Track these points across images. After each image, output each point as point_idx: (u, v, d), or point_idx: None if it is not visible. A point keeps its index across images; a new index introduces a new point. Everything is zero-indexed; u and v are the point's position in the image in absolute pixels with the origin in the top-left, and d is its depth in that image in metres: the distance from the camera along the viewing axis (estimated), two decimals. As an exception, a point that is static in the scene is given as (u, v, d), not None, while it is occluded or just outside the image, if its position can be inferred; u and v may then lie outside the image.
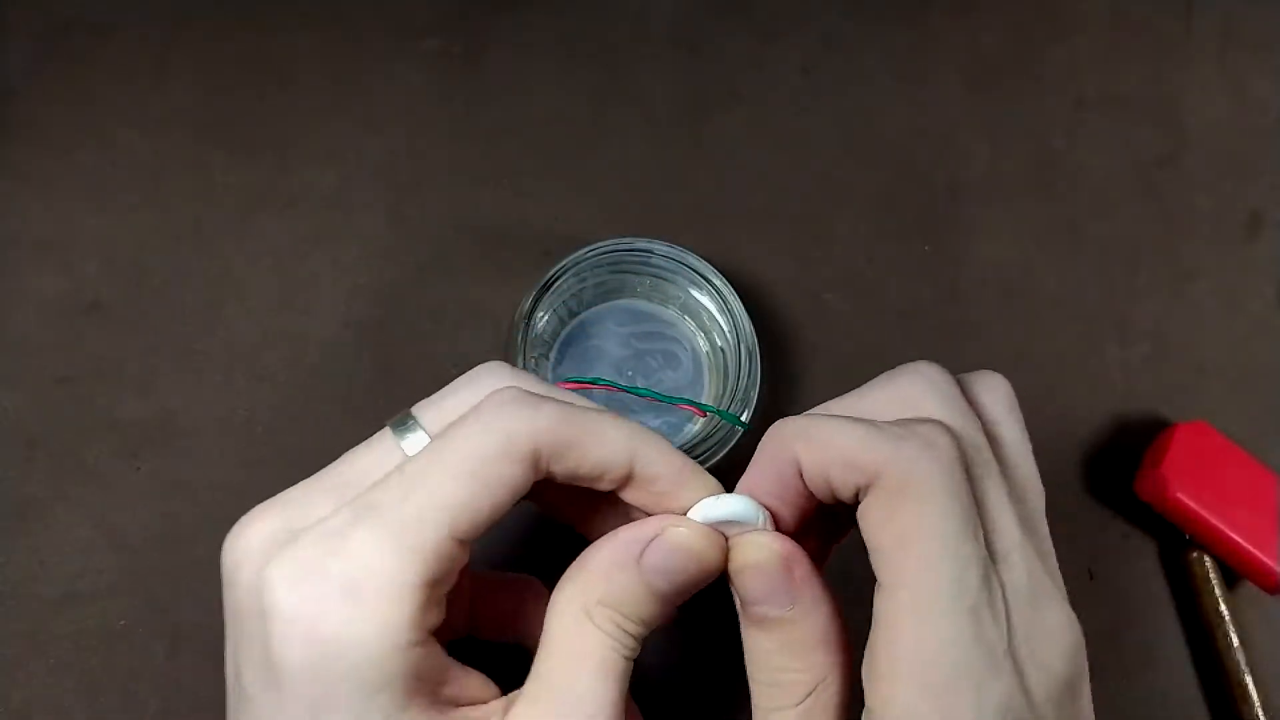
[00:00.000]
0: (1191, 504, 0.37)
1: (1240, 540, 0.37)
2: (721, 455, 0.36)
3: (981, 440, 0.25)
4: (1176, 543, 0.39)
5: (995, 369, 0.28)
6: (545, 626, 0.25)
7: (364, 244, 0.41)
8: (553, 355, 0.38)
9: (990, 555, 0.23)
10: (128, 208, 0.41)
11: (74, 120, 0.42)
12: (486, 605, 0.30)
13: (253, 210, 0.41)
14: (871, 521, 0.23)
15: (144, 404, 0.38)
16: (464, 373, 0.27)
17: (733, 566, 0.25)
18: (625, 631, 0.24)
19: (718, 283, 0.38)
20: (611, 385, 0.37)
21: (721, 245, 0.42)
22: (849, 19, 0.47)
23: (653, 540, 0.25)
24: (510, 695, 0.25)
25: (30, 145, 0.41)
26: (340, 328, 0.40)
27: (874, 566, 0.23)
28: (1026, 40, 0.47)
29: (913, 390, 0.26)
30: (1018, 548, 0.24)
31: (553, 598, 0.25)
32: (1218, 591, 0.38)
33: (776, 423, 0.26)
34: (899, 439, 0.23)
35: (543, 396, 0.25)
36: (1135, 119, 0.47)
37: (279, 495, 0.26)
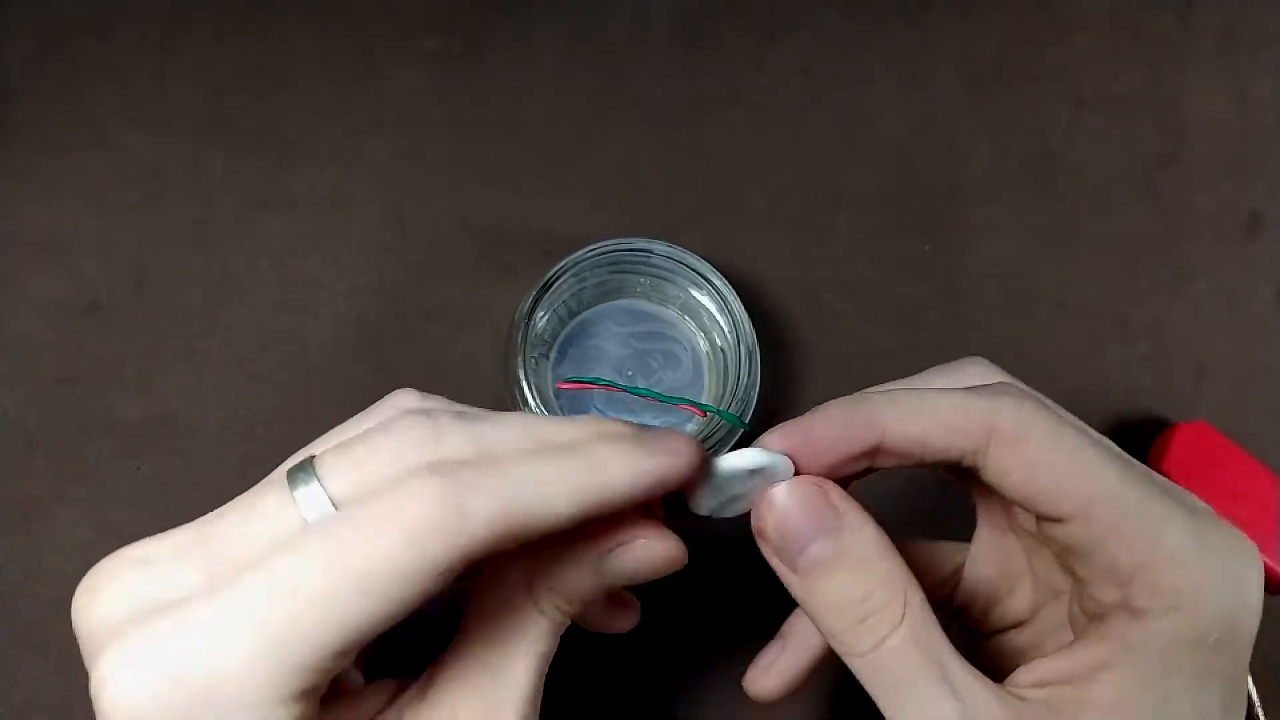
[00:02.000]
0: (1191, 504, 0.37)
1: (1240, 540, 0.37)
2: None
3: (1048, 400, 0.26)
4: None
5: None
6: (484, 594, 0.24)
7: (364, 244, 0.41)
8: (553, 355, 0.38)
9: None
10: (128, 208, 0.41)
11: (74, 120, 0.42)
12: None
13: (253, 210, 0.41)
14: (1012, 474, 0.24)
15: (144, 404, 0.38)
16: (375, 404, 0.25)
17: (767, 525, 0.24)
18: (563, 613, 0.24)
19: (718, 283, 0.38)
20: (611, 385, 0.37)
21: (721, 245, 0.42)
22: (849, 19, 0.47)
23: (620, 546, 0.24)
24: (424, 675, 0.24)
25: (30, 145, 0.41)
26: (340, 328, 0.40)
27: (1038, 509, 0.24)
28: (1026, 40, 0.47)
29: (973, 373, 0.26)
30: (1135, 462, 0.25)
31: (501, 569, 0.24)
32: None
33: (851, 397, 0.25)
34: (994, 396, 0.24)
35: (469, 486, 0.21)
36: (1135, 119, 0.47)
37: (143, 546, 0.22)
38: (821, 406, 0.25)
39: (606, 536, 0.24)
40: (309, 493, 0.21)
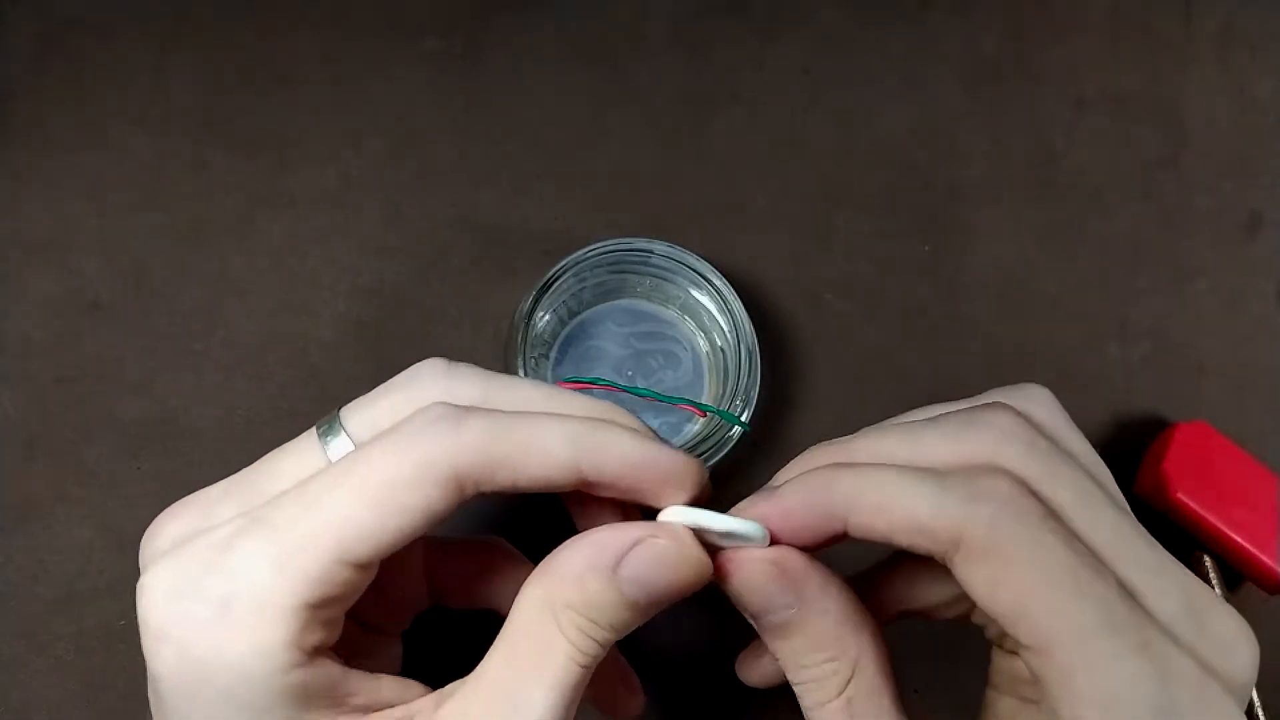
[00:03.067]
0: (1192, 504, 0.37)
1: (1240, 540, 0.37)
2: (721, 455, 0.36)
3: (1077, 476, 0.23)
4: (1177, 543, 0.39)
5: (995, 369, 0.27)
6: (510, 617, 0.23)
7: (364, 244, 0.41)
8: (553, 355, 0.38)
9: (1129, 587, 0.22)
10: (128, 208, 0.41)
11: (74, 120, 0.42)
12: (447, 573, 0.29)
13: (253, 210, 0.41)
14: (978, 588, 0.22)
15: (144, 404, 0.38)
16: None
17: (729, 589, 0.24)
18: (591, 639, 0.23)
19: (718, 283, 0.38)
20: (611, 385, 0.37)
21: (721, 245, 0.42)
22: (849, 19, 0.47)
23: (632, 549, 0.23)
24: (443, 690, 0.24)
25: (30, 145, 0.41)
26: (340, 328, 0.40)
27: (1003, 625, 0.22)
28: (1026, 40, 0.47)
29: (984, 444, 0.24)
30: (1157, 569, 0.23)
31: (520, 592, 0.24)
32: (1219, 591, 0.38)
33: (821, 467, 0.24)
34: (971, 500, 0.22)
35: (470, 410, 0.23)
36: (1135, 119, 0.47)
37: (200, 492, 0.25)
38: (787, 486, 0.24)
39: (613, 543, 0.23)
40: (333, 436, 0.24)
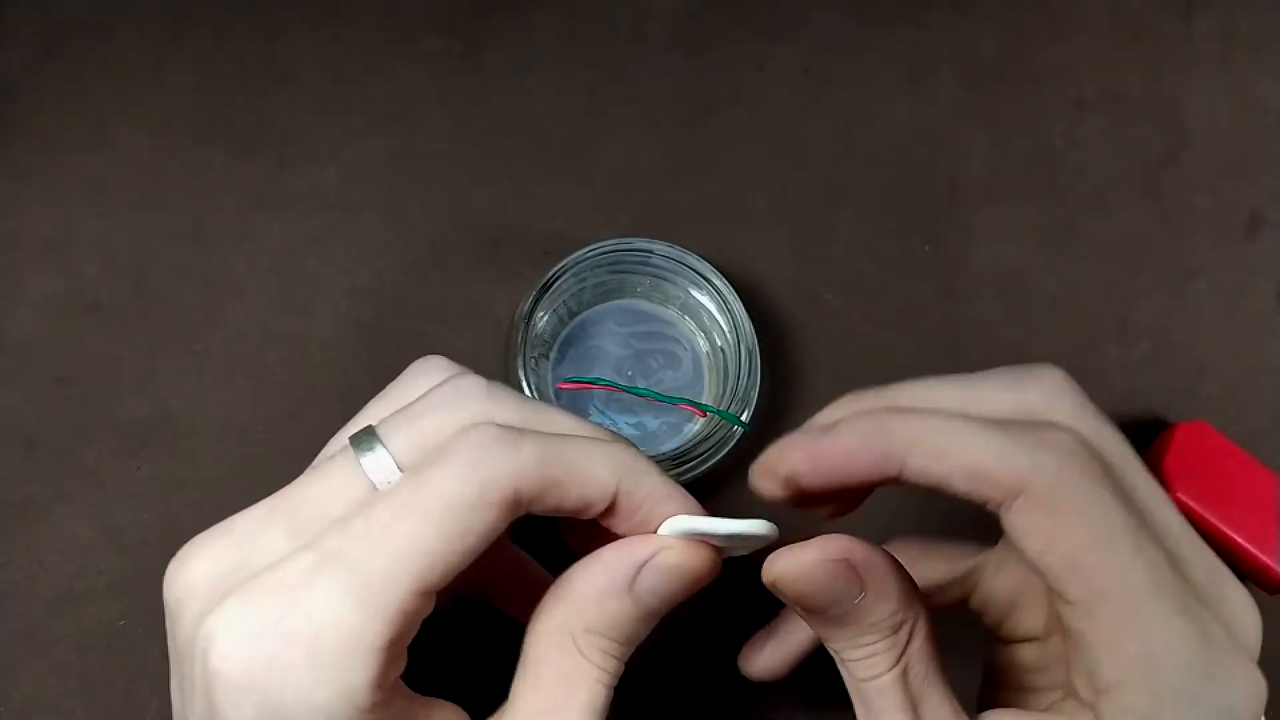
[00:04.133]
0: (1192, 504, 0.37)
1: (1240, 540, 0.37)
2: (721, 455, 0.36)
3: (1121, 439, 0.24)
4: (1176, 543, 0.39)
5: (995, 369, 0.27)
6: (525, 652, 0.23)
7: (364, 244, 0.41)
8: (553, 355, 0.38)
9: (1170, 553, 0.22)
10: (128, 208, 0.41)
11: (74, 120, 0.42)
12: (507, 586, 0.29)
13: (253, 210, 0.41)
14: (1032, 540, 0.22)
15: (144, 404, 0.38)
16: (428, 381, 0.26)
17: (791, 592, 0.23)
18: (613, 657, 0.23)
19: (718, 283, 0.38)
20: (611, 385, 0.37)
21: (721, 245, 0.41)
22: (849, 19, 0.47)
23: (647, 563, 0.23)
24: None
25: (30, 145, 0.41)
26: (340, 328, 0.40)
27: (1049, 580, 0.22)
28: (1026, 40, 0.47)
29: (1037, 396, 0.24)
30: (1188, 540, 0.23)
31: (535, 621, 0.24)
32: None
33: (876, 410, 0.24)
34: (1037, 449, 0.22)
35: (522, 432, 0.23)
36: (1135, 119, 0.47)
37: (228, 522, 0.24)
38: (842, 426, 0.23)
39: (626, 560, 0.24)
40: (374, 456, 0.23)
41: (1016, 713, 0.24)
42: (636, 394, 0.37)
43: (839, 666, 0.24)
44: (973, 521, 0.29)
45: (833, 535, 0.23)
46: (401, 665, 0.23)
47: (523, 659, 0.23)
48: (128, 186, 0.41)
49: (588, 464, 0.23)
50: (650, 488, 0.24)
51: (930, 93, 0.46)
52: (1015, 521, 0.22)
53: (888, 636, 0.23)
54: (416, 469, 0.22)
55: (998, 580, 0.28)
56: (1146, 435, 0.40)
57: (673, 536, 0.24)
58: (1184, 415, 0.40)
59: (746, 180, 0.44)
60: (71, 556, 0.36)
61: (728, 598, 0.36)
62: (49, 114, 0.42)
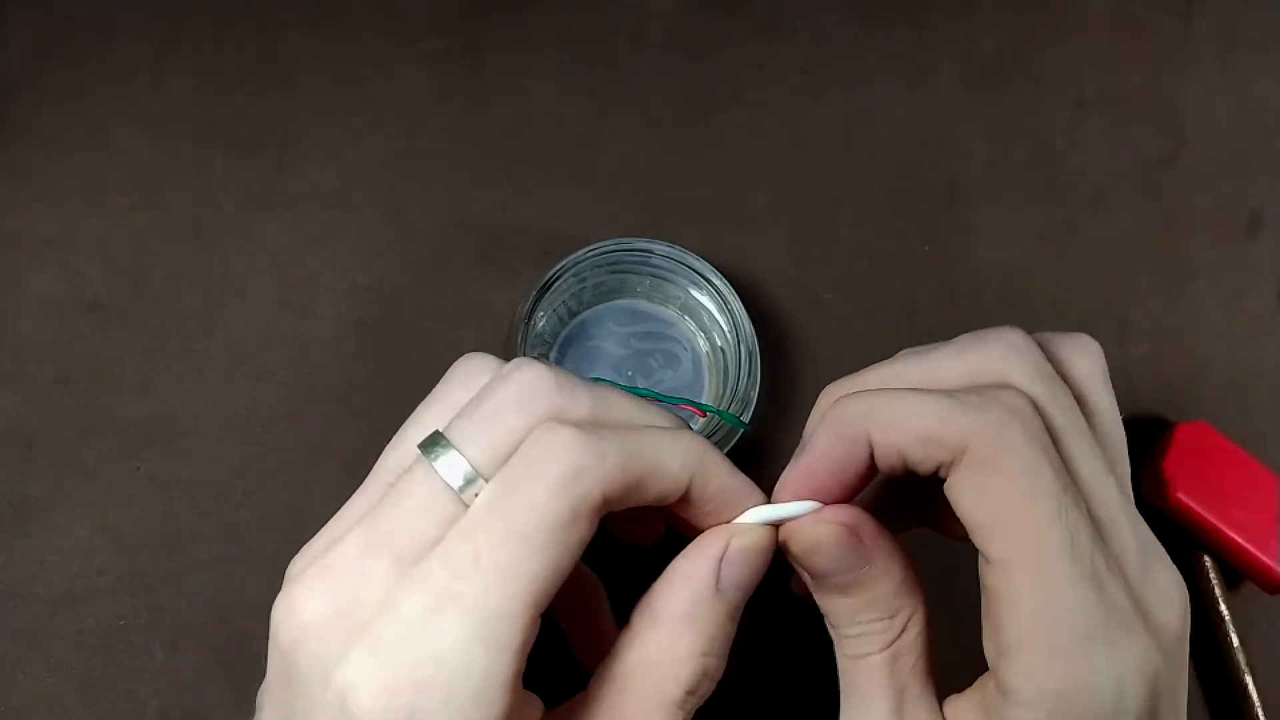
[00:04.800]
0: (1192, 504, 0.37)
1: (1240, 540, 0.37)
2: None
3: (1072, 405, 0.24)
4: (1177, 543, 0.39)
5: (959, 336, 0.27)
6: (608, 676, 0.23)
7: (364, 244, 0.41)
8: (553, 355, 0.38)
9: (1095, 522, 0.23)
10: (128, 208, 0.41)
11: (74, 120, 0.42)
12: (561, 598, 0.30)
13: (253, 210, 0.41)
14: (965, 497, 0.23)
15: (144, 404, 0.38)
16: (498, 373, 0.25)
17: (798, 551, 0.24)
18: (708, 680, 0.23)
19: (718, 283, 0.38)
20: (612, 385, 0.37)
21: (721, 245, 0.42)
22: (849, 19, 0.47)
23: (724, 557, 0.24)
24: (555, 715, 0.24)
25: (30, 145, 0.41)
26: (340, 328, 0.40)
27: (975, 540, 0.23)
28: (1026, 40, 0.47)
29: (992, 357, 0.24)
30: (1122, 512, 0.23)
31: (624, 649, 0.23)
32: (1218, 591, 0.38)
33: (838, 398, 0.25)
34: (980, 409, 0.22)
35: (602, 434, 0.22)
36: (1135, 119, 0.47)
37: (327, 557, 0.23)
38: (814, 435, 0.25)
39: (708, 556, 0.24)
40: (449, 462, 0.22)
41: (959, 695, 0.25)
42: (637, 394, 0.37)
43: (835, 648, 0.25)
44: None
45: (850, 507, 0.24)
46: (522, 689, 0.23)
47: (606, 681, 0.23)
48: (128, 186, 0.41)
49: (667, 461, 0.23)
50: (723, 479, 0.24)
51: (930, 93, 0.46)
52: (954, 479, 0.23)
53: (884, 618, 0.24)
54: (506, 483, 0.22)
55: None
56: (1146, 435, 0.40)
57: (740, 523, 0.25)
58: (1184, 415, 0.40)
59: (746, 180, 0.44)
60: (71, 556, 0.36)
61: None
62: (49, 114, 0.42)
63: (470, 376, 0.25)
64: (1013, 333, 0.25)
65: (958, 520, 0.26)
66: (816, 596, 0.25)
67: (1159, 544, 0.24)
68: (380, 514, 0.23)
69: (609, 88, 0.45)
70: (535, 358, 0.25)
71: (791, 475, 0.25)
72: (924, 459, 0.23)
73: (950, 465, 0.23)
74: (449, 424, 0.23)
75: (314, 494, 0.37)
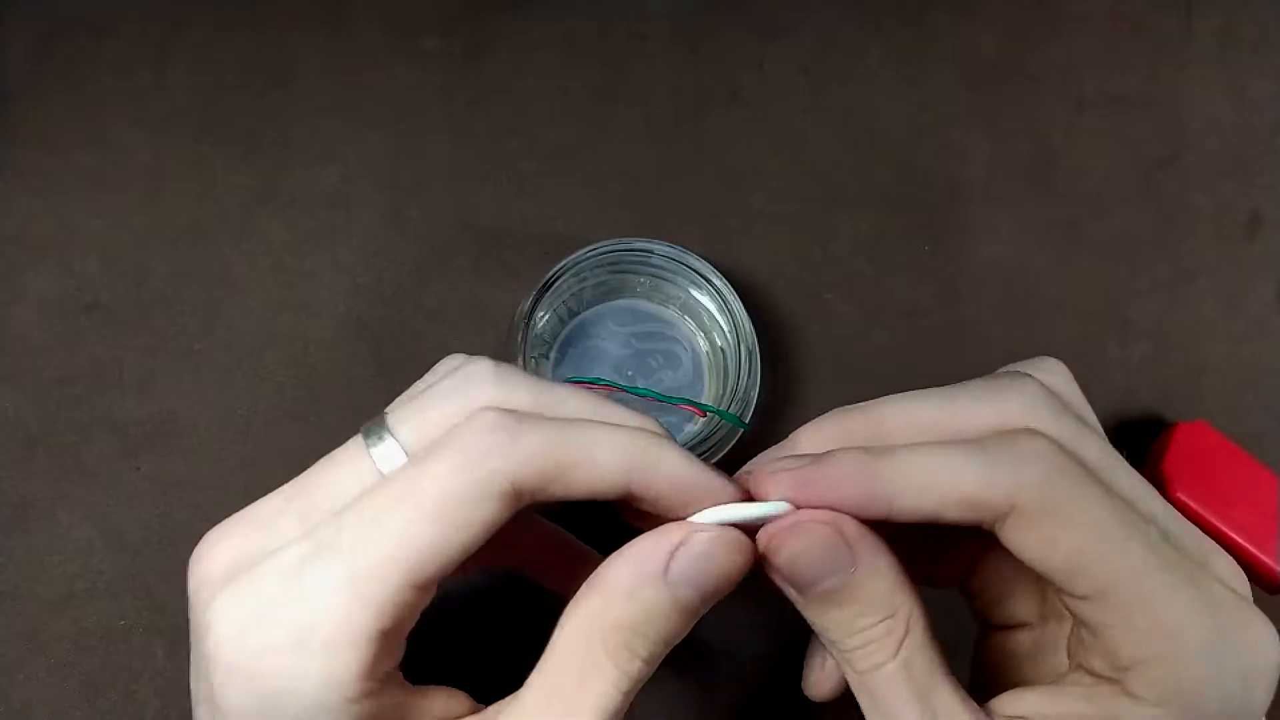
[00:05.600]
0: (1192, 504, 0.37)
1: (1240, 540, 0.37)
2: (721, 455, 0.36)
3: (1096, 438, 0.24)
4: (1176, 543, 0.39)
5: (995, 369, 0.27)
6: (549, 647, 0.23)
7: (364, 244, 0.41)
8: (553, 355, 0.38)
9: (1163, 534, 0.23)
10: (128, 208, 0.41)
11: (74, 120, 0.42)
12: (541, 560, 0.29)
13: (253, 210, 0.41)
14: (1031, 550, 0.23)
15: (144, 404, 0.38)
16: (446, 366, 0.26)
17: (778, 561, 0.23)
18: (639, 660, 0.22)
19: (718, 283, 0.38)
20: (612, 385, 0.37)
21: (721, 245, 0.42)
22: (849, 19, 0.47)
23: (679, 548, 0.23)
24: (486, 712, 0.24)
25: (30, 145, 0.41)
26: (340, 328, 0.40)
27: (1056, 582, 0.23)
28: (1026, 40, 0.47)
29: (1015, 405, 0.24)
30: (1174, 520, 0.24)
31: (563, 617, 0.23)
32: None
33: (856, 449, 0.23)
34: (1018, 465, 0.22)
35: (523, 420, 0.22)
36: (1135, 119, 0.47)
37: (249, 509, 0.24)
38: (830, 459, 0.23)
39: (656, 548, 0.23)
40: (383, 444, 0.23)
41: (1030, 689, 0.24)
42: (636, 394, 0.37)
43: (842, 665, 0.24)
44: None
45: (830, 511, 0.24)
46: (397, 656, 0.23)
47: (548, 648, 0.23)
48: (128, 186, 0.41)
49: (593, 453, 0.23)
50: (670, 473, 0.23)
51: (930, 93, 0.46)
52: (1012, 538, 0.23)
53: (883, 620, 0.23)
54: (416, 459, 0.23)
55: (994, 564, 0.28)
56: (1146, 435, 0.40)
57: (707, 523, 0.24)
58: (1184, 415, 0.40)
59: (746, 180, 0.44)
60: (71, 556, 0.36)
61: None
62: (49, 114, 0.42)
63: (434, 373, 0.26)
64: (1029, 381, 0.25)
65: (950, 570, 0.27)
66: (808, 615, 0.24)
67: (1204, 535, 0.24)
68: (306, 479, 0.24)
69: (609, 88, 0.45)
70: (529, 359, 0.25)
71: (784, 476, 0.24)
72: (961, 519, 0.23)
73: (997, 522, 0.23)
74: (390, 409, 0.24)
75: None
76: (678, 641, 0.23)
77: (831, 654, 0.24)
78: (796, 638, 0.28)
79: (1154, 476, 0.38)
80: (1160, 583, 0.22)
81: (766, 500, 0.24)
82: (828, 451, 0.24)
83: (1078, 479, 0.22)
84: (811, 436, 0.26)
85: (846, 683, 0.27)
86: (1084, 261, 0.44)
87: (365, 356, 0.39)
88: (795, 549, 0.23)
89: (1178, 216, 0.45)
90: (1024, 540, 0.23)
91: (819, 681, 0.28)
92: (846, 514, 0.23)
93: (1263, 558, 0.37)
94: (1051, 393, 0.25)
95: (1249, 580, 0.38)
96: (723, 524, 0.24)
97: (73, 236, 0.40)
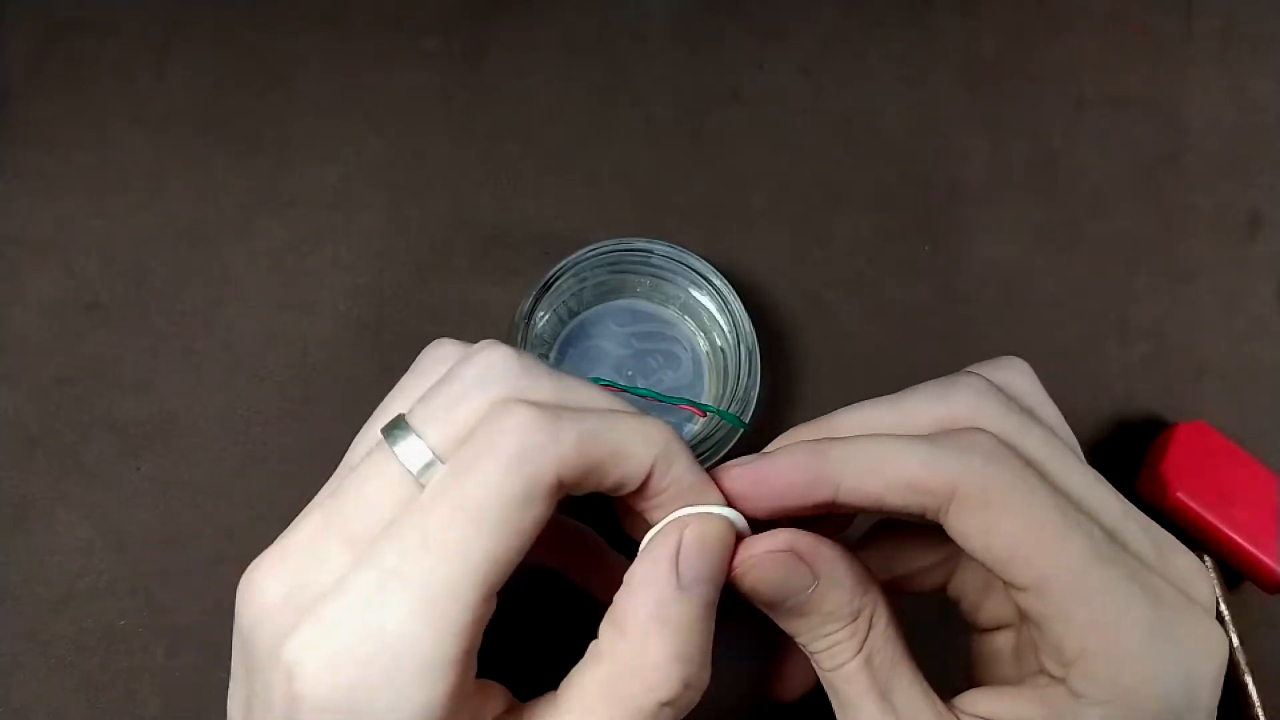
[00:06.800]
0: (1192, 504, 0.37)
1: (1240, 540, 0.37)
2: (721, 455, 0.36)
3: (1045, 432, 0.25)
4: (1176, 543, 0.39)
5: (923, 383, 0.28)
6: (580, 685, 0.23)
7: (364, 244, 0.41)
8: (553, 355, 0.38)
9: (1109, 530, 0.23)
10: (128, 208, 0.41)
11: (74, 120, 0.42)
12: (561, 551, 0.30)
13: (253, 210, 0.41)
14: (972, 538, 0.23)
15: (144, 404, 0.38)
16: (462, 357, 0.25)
17: (746, 585, 0.24)
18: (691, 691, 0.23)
19: (718, 283, 0.38)
20: (611, 385, 0.37)
21: (721, 245, 0.42)
22: (849, 19, 0.47)
23: (679, 553, 0.23)
24: (523, 712, 0.24)
25: (30, 145, 0.41)
26: (340, 328, 0.40)
27: (998, 573, 0.23)
28: (1026, 40, 0.47)
29: (962, 404, 0.25)
30: (1124, 514, 0.24)
31: (596, 690, 0.22)
32: (1218, 591, 0.38)
33: (807, 441, 0.24)
34: (961, 453, 0.23)
35: (560, 415, 0.22)
36: (1135, 119, 0.47)
37: (286, 538, 0.23)
38: (780, 450, 0.25)
39: (663, 553, 0.23)
40: (409, 447, 0.23)
41: (991, 689, 0.25)
42: (636, 394, 0.37)
43: (814, 664, 0.25)
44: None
45: (781, 530, 0.24)
46: (474, 669, 0.23)
47: (577, 682, 0.23)
48: (128, 186, 0.41)
49: (629, 444, 0.23)
50: (680, 470, 0.24)
51: (930, 93, 0.46)
52: (953, 524, 0.23)
53: (847, 624, 0.24)
54: (458, 464, 0.22)
55: (970, 568, 0.28)
56: (1146, 435, 0.40)
57: (694, 515, 0.24)
58: (1184, 415, 0.40)
59: (746, 180, 0.44)
60: (71, 556, 0.36)
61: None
62: (49, 114, 0.42)
63: (437, 363, 0.25)
64: (977, 380, 0.25)
65: (931, 576, 0.28)
66: (778, 622, 0.25)
67: (1164, 530, 0.24)
68: (339, 497, 0.23)
69: (609, 88, 0.45)
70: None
71: (736, 473, 0.25)
72: (905, 504, 0.23)
73: (939, 510, 0.23)
74: (411, 409, 0.24)
75: (314, 494, 0.37)
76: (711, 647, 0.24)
77: (807, 655, 0.25)
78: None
79: (1154, 476, 0.38)
80: (1099, 576, 0.22)
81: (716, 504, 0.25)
82: (778, 447, 0.25)
83: (1018, 471, 0.23)
84: (770, 449, 0.26)
85: (810, 683, 0.29)
86: (1084, 261, 0.44)
87: (365, 356, 0.39)
88: (757, 578, 0.24)
89: (1178, 216, 0.45)
90: (965, 527, 0.23)
91: (784, 685, 0.29)
92: (794, 506, 0.24)
93: (1263, 558, 0.37)
94: (999, 390, 0.25)
95: (1248, 580, 0.38)
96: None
97: (73, 236, 0.40)
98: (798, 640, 0.25)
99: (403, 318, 0.40)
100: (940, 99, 0.46)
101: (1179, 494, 0.37)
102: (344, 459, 0.25)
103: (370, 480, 0.23)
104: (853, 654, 0.24)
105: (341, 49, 0.44)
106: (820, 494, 0.24)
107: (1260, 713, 0.37)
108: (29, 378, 0.38)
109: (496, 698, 0.24)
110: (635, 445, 0.23)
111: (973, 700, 0.25)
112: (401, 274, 0.41)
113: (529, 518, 0.22)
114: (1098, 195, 0.45)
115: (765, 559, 0.24)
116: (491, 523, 0.21)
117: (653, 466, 0.23)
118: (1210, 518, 0.37)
